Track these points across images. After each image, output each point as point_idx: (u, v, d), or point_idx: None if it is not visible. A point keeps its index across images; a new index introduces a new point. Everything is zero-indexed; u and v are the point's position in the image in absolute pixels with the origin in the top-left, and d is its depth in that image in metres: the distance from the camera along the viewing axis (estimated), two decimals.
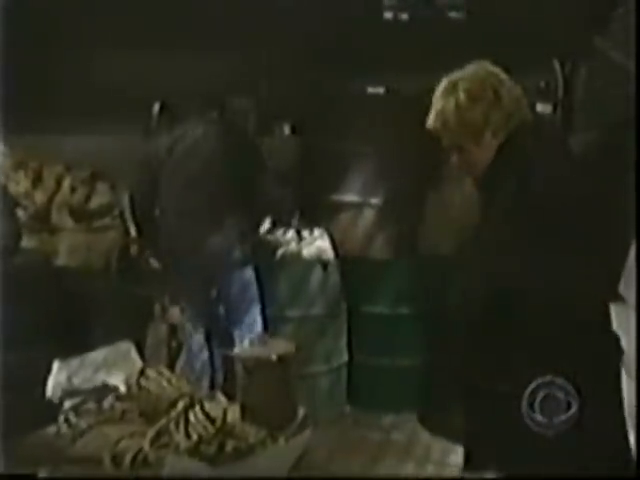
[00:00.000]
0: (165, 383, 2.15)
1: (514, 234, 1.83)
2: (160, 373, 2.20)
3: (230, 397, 2.18)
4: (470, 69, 1.90)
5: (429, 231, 3.93)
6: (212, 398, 2.16)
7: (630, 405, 2.40)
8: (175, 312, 3.81)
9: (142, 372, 2.20)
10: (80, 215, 3.97)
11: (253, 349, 2.21)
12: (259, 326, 3.48)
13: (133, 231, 3.85)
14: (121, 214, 3.99)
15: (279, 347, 2.19)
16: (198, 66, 3.98)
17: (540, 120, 2.06)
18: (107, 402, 2.19)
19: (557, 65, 3.71)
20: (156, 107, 4.03)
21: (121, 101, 3.96)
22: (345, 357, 3.98)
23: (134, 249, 3.98)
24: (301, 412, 2.24)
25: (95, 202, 4.02)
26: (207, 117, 3.56)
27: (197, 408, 2.05)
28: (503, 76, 1.90)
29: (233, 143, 3.49)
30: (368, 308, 3.98)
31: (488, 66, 1.92)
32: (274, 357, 2.11)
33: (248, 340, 3.14)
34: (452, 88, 1.87)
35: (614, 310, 2.57)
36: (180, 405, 2.05)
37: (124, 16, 4.02)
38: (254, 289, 3.52)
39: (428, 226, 3.94)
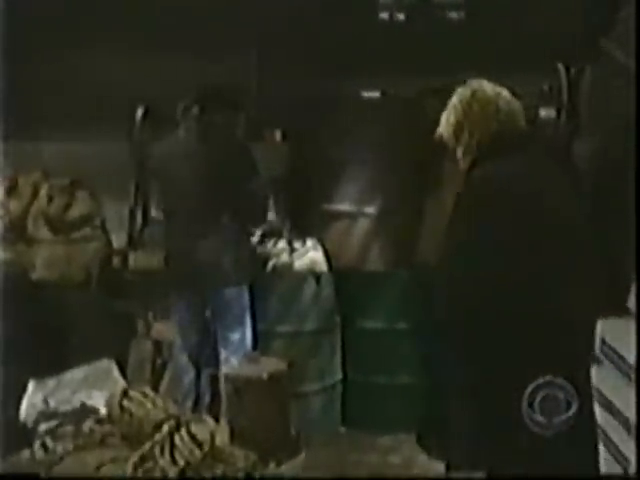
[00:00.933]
0: (149, 405, 2.11)
1: (499, 242, 1.99)
2: (144, 394, 2.16)
3: (218, 419, 2.14)
4: (462, 89, 2.27)
5: (428, 240, 3.89)
6: (199, 420, 2.11)
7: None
8: (160, 328, 3.77)
9: (125, 393, 2.15)
10: (58, 225, 3.92)
11: (243, 368, 2.17)
12: (248, 345, 3.42)
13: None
14: (102, 224, 3.95)
15: (270, 365, 2.16)
16: (184, 68, 3.95)
17: (527, 131, 2.26)
18: (87, 425, 2.14)
19: (561, 67, 3.70)
20: (140, 111, 4.00)
21: (103, 105, 3.94)
22: (339, 375, 3.94)
23: (117, 261, 3.93)
24: (294, 434, 2.21)
25: (75, 212, 3.95)
26: (193, 122, 3.52)
27: (183, 431, 2.01)
28: (487, 94, 2.22)
29: (221, 150, 3.47)
30: (364, 323, 3.94)
31: (477, 85, 2.25)
32: (265, 376, 2.09)
33: (236, 359, 3.08)
34: (450, 106, 2.28)
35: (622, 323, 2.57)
36: (165, 428, 2.02)
37: (106, 18, 4.00)
38: (245, 304, 3.47)
39: (427, 235, 3.91)
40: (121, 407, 2.14)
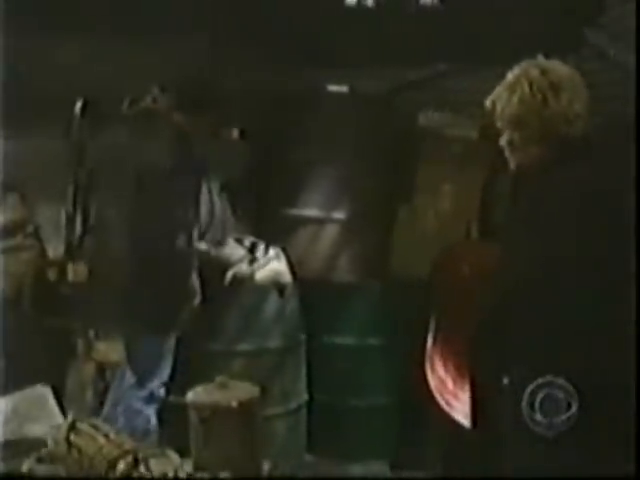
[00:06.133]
0: (101, 439, 2.01)
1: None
2: (94, 427, 2.06)
3: (182, 453, 2.07)
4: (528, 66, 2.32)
5: (401, 250, 3.91)
6: (160, 455, 2.03)
7: None
8: (103, 348, 3.67)
9: (72, 426, 2.05)
10: None
11: (209, 394, 2.10)
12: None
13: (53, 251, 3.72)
14: (36, 231, 3.86)
15: (240, 391, 2.10)
16: (128, 57, 3.87)
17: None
18: (26, 464, 2.03)
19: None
20: (78, 105, 3.90)
21: (35, 98, 3.83)
22: (305, 396, 3.91)
23: (52, 273, 3.83)
24: (266, 467, 2.16)
25: (3, 218, 3.84)
26: (138, 118, 3.46)
27: (142, 468, 1.93)
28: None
29: (168, 148, 3.40)
30: (331, 338, 3.93)
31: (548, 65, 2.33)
32: (235, 403, 2.03)
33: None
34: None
35: None
36: (121, 466, 1.93)
37: None
38: None
39: (400, 244, 3.93)
40: (68, 442, 2.04)
